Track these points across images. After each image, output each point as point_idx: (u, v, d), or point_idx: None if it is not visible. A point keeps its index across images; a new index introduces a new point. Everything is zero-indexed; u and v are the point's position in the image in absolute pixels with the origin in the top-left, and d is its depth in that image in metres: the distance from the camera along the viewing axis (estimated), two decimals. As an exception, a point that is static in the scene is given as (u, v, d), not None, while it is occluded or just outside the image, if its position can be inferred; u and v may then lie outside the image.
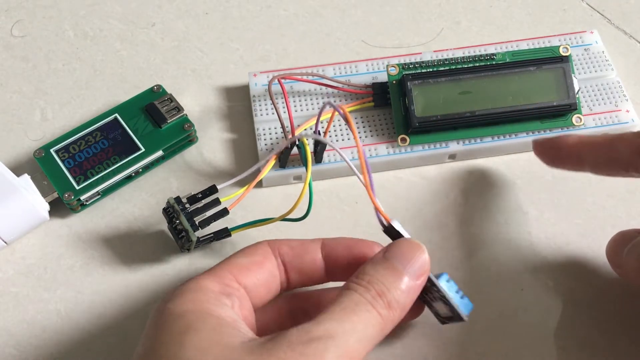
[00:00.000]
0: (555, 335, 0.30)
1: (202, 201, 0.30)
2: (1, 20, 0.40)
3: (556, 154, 0.30)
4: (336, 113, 0.32)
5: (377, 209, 0.27)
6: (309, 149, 0.30)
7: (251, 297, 0.26)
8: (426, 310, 0.30)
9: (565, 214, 0.33)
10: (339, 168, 0.34)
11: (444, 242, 0.32)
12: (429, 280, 0.27)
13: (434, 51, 0.37)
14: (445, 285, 0.27)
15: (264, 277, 0.26)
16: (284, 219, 0.30)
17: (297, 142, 0.31)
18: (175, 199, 0.30)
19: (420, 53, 0.36)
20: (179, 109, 0.35)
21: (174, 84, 0.37)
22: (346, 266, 0.27)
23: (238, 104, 0.37)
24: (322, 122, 0.33)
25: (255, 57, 0.39)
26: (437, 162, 0.35)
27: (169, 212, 0.30)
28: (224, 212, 0.30)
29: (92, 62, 0.39)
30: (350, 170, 0.33)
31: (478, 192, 0.34)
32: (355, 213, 0.33)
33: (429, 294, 0.28)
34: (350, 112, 0.34)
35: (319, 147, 0.32)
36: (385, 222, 0.27)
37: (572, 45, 0.37)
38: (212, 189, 0.31)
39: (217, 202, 0.30)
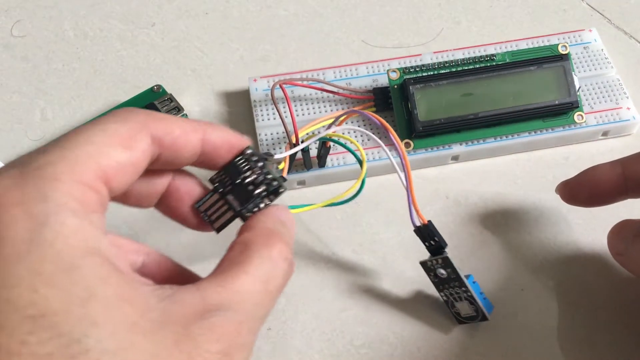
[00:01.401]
0: (555, 336, 0.30)
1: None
2: (1, 20, 0.40)
3: (593, 192, 0.29)
4: (350, 115, 0.32)
5: (416, 210, 0.28)
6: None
7: (110, 184, 0.20)
8: (426, 310, 0.30)
9: (565, 214, 0.33)
10: (342, 172, 0.33)
11: (444, 242, 0.32)
12: (459, 280, 0.28)
13: (434, 52, 0.36)
14: (472, 287, 0.28)
15: (131, 159, 0.20)
16: (332, 203, 0.29)
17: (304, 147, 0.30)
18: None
19: (420, 55, 0.36)
20: (179, 109, 0.35)
21: (174, 84, 0.37)
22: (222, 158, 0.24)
23: (238, 108, 0.37)
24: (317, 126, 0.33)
25: (255, 57, 0.39)
26: (440, 163, 0.35)
27: (242, 164, 0.24)
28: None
29: (92, 62, 0.39)
30: (350, 174, 0.33)
31: (478, 192, 0.34)
32: (355, 214, 0.33)
33: (454, 294, 0.28)
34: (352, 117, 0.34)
35: (323, 151, 0.32)
36: (419, 223, 0.28)
37: (571, 43, 0.37)
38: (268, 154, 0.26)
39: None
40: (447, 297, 0.29)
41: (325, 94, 0.35)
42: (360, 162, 0.28)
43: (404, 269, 0.31)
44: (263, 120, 0.35)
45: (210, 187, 0.24)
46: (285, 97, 0.32)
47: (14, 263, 0.16)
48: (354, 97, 0.35)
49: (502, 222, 0.33)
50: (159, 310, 0.18)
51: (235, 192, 0.24)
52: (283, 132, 0.34)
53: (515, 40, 0.37)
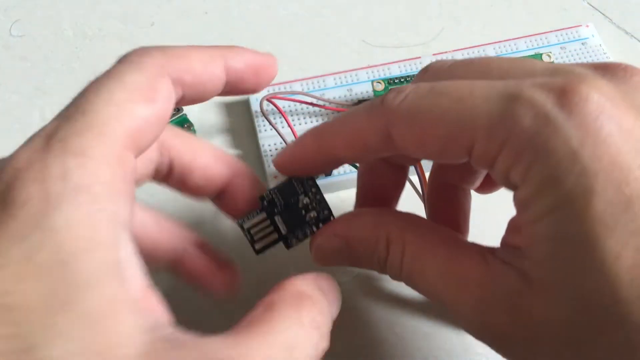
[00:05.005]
0: (556, 336, 0.29)
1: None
2: (0, 19, 0.40)
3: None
4: None
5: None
6: None
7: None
8: (426, 311, 0.30)
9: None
10: (348, 180, 0.33)
11: (445, 243, 0.32)
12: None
13: (433, 54, 0.36)
14: None
15: (155, 113, 0.18)
16: None
17: None
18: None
19: (420, 57, 0.36)
20: (178, 108, 0.35)
21: (173, 84, 0.37)
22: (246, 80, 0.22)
23: (239, 117, 0.36)
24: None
25: (255, 56, 0.39)
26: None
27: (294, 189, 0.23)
28: None
29: (91, 62, 0.38)
30: (355, 182, 0.33)
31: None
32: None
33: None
34: None
35: None
36: None
37: (568, 40, 0.37)
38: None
39: None
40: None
41: (316, 108, 0.35)
42: None
43: (405, 270, 0.31)
44: (266, 130, 0.34)
45: (259, 204, 0.23)
46: (278, 110, 0.32)
47: (9, 245, 0.15)
48: (340, 110, 0.34)
49: (502, 222, 0.33)
50: (144, 346, 0.15)
51: (285, 214, 0.23)
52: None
53: (514, 39, 0.37)
